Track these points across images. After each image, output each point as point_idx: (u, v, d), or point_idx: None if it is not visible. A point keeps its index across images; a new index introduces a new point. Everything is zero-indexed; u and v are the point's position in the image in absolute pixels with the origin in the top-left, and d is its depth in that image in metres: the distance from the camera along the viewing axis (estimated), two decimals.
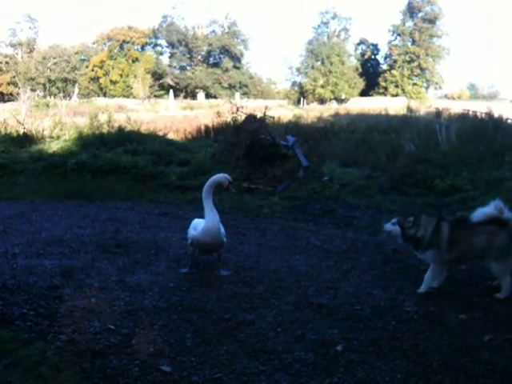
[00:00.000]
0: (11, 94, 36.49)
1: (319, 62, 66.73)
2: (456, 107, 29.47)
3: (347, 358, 3.39)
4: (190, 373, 3.20)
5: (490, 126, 14.70)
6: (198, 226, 4.95)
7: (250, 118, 11.42)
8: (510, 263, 4.33)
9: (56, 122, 15.68)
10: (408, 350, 3.50)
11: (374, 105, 40.32)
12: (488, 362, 3.34)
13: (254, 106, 15.03)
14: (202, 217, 4.94)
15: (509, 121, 16.99)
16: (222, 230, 4.94)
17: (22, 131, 14.51)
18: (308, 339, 3.65)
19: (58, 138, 14.05)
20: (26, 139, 13.80)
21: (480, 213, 4.46)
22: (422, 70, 65.72)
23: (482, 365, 3.30)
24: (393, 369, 3.26)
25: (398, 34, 67.58)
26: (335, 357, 3.41)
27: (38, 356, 3.30)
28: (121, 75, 64.77)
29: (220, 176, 4.94)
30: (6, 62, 60.30)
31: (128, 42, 67.06)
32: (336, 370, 3.25)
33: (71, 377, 3.09)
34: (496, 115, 18.37)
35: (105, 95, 61.49)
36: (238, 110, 12.08)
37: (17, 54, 63.24)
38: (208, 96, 63.94)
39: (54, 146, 12.70)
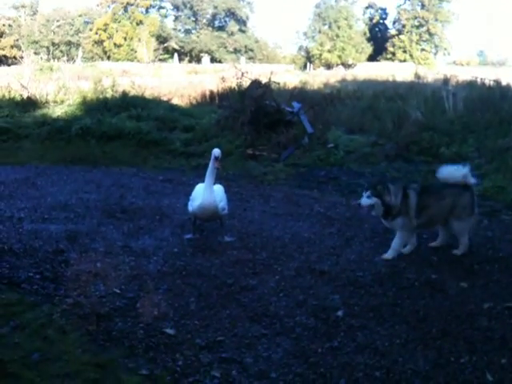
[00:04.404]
0: (15, 58, 36.06)
1: (326, 26, 65.63)
2: (464, 74, 29.02)
3: (347, 323, 3.45)
4: (193, 335, 3.27)
5: (498, 93, 14.50)
6: (197, 196, 4.92)
7: (255, 83, 11.28)
8: (471, 223, 4.68)
9: (60, 87, 15.51)
10: (408, 316, 3.55)
11: (382, 71, 39.70)
12: (487, 328, 3.39)
13: (259, 71, 14.82)
14: None
15: None
16: (222, 203, 4.92)
17: (25, 95, 14.39)
18: (309, 304, 3.71)
19: (62, 102, 13.95)
20: (30, 103, 13.72)
21: (446, 172, 4.71)
22: (430, 35, 64.54)
23: (480, 331, 3.36)
24: (392, 334, 3.32)
25: None
26: (336, 322, 3.47)
27: (44, 319, 3.37)
28: (125, 38, 63.81)
29: (212, 152, 4.85)
30: (9, 25, 59.36)
31: (132, 5, 65.84)
32: (336, 334, 3.31)
33: (77, 339, 3.16)
34: (504, 83, 18.10)
35: (109, 59, 60.74)
36: (242, 75, 11.94)
37: (20, 16, 62.24)
38: (213, 60, 63.12)
39: (58, 111, 12.65)
